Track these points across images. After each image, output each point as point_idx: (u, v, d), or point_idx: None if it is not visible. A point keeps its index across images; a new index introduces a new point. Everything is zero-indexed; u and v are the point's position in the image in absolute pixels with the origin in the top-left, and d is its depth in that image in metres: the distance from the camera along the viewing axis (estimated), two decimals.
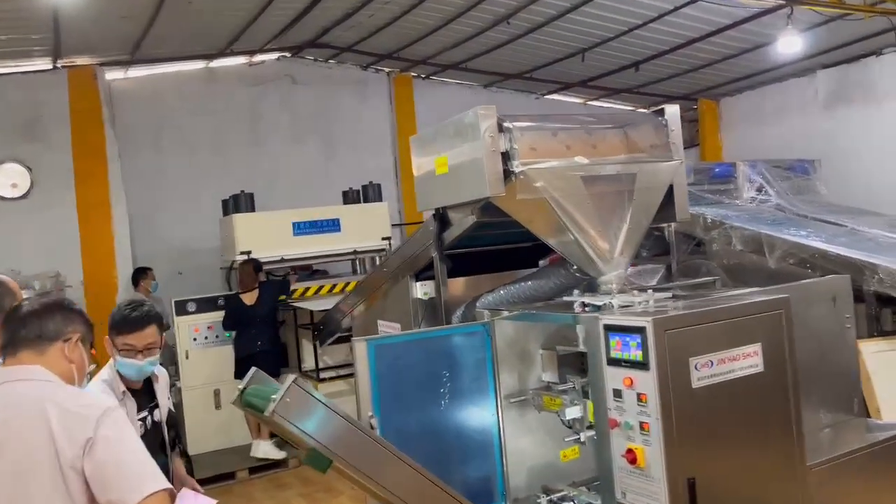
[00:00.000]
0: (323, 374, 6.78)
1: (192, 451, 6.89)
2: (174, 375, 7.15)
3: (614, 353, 2.72)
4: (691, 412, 2.63)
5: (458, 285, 4.15)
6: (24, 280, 6.67)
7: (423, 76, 10.27)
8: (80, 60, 7.93)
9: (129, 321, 2.99)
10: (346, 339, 6.36)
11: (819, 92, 9.18)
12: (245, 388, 2.76)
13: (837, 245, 5.52)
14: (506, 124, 3.23)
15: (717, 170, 7.27)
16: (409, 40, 8.73)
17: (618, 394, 2.72)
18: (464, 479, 3.34)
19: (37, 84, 7.87)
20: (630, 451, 2.66)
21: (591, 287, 3.42)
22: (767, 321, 2.82)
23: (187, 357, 7.03)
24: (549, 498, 3.35)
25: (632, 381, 2.65)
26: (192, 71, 9.01)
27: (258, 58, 9.21)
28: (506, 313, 3.43)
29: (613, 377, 2.73)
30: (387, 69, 10.03)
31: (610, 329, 2.74)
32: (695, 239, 6.23)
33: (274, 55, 9.28)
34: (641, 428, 2.62)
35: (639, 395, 2.63)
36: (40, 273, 6.89)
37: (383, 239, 7.52)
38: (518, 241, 4.29)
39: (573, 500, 3.25)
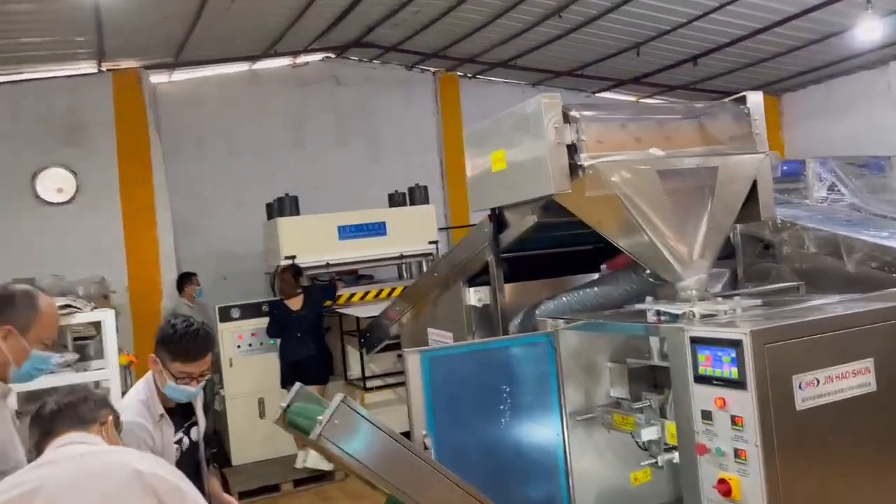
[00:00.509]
0: (370, 384, 6.54)
1: (235, 461, 6.73)
2: (218, 384, 7.01)
3: (703, 370, 2.39)
4: (795, 438, 2.29)
5: (515, 291, 3.85)
6: (69, 286, 6.58)
7: (469, 75, 10.00)
8: (125, 63, 7.88)
9: (191, 352, 2.70)
10: (394, 347, 6.10)
11: (891, 85, 8.63)
12: (289, 406, 2.51)
13: None
14: (572, 113, 2.93)
15: (784, 167, 6.80)
16: (456, 37, 8.47)
17: (707, 415, 2.39)
18: (525, 503, 3.05)
19: (81, 87, 7.84)
20: (723, 481, 2.32)
21: (665, 294, 3.10)
22: (880, 333, 2.46)
23: (231, 365, 6.86)
24: None
25: (725, 402, 2.32)
26: (236, 73, 8.90)
27: (302, 59, 9.06)
28: (571, 323, 3.12)
29: (702, 396, 2.40)
30: (432, 69, 9.80)
31: (698, 342, 2.42)
32: (762, 241, 5.82)
33: (318, 56, 9.13)
34: (737, 455, 2.29)
35: (733, 417, 2.30)
36: (84, 278, 6.80)
37: (430, 243, 7.25)
38: (580, 244, 3.99)
39: None
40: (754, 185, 3.21)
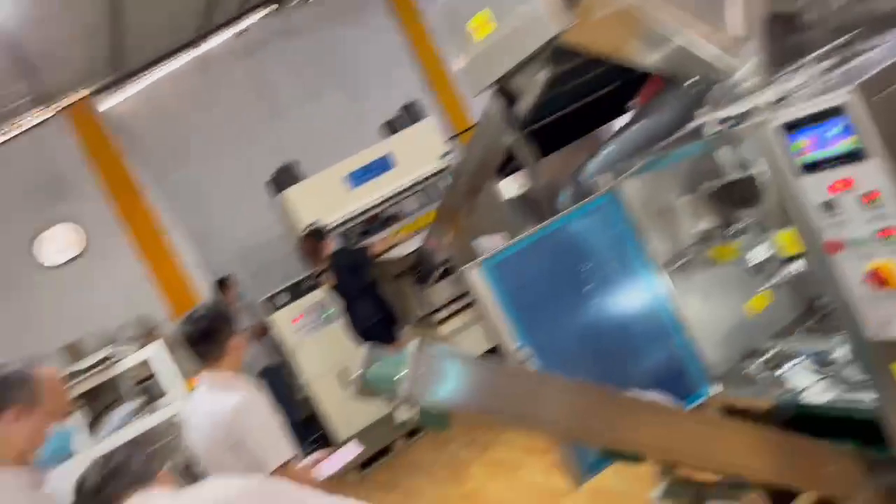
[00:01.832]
0: (438, 317, 6.26)
1: (343, 436, 6.60)
2: (290, 374, 6.85)
3: (807, 157, 1.98)
4: None
5: (549, 166, 3.47)
6: (112, 336, 6.41)
7: None
8: (72, 97, 7.43)
9: None
10: (446, 274, 5.80)
11: None
12: (363, 373, 2.20)
13: None
14: None
15: None
16: None
17: (828, 206, 1.99)
18: (647, 376, 2.73)
19: (45, 140, 7.44)
20: (874, 272, 1.94)
21: (718, 99, 2.67)
22: None
23: (298, 349, 6.65)
24: (761, 361, 2.70)
25: (846, 184, 1.92)
26: (184, 67, 8.36)
27: (243, 24, 8.47)
28: (628, 171, 2.73)
29: (815, 188, 2.00)
30: None
31: (790, 128, 2.00)
32: (785, 16, 5.27)
33: (259, 14, 8.50)
34: (882, 237, 1.90)
35: (861, 196, 1.90)
36: (125, 323, 6.61)
37: (443, 156, 6.80)
38: (599, 88, 3.57)
39: (803, 355, 2.57)
40: None
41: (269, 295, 6.73)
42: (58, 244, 7.43)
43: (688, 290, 2.83)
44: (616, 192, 2.78)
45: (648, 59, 2.61)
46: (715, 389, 2.80)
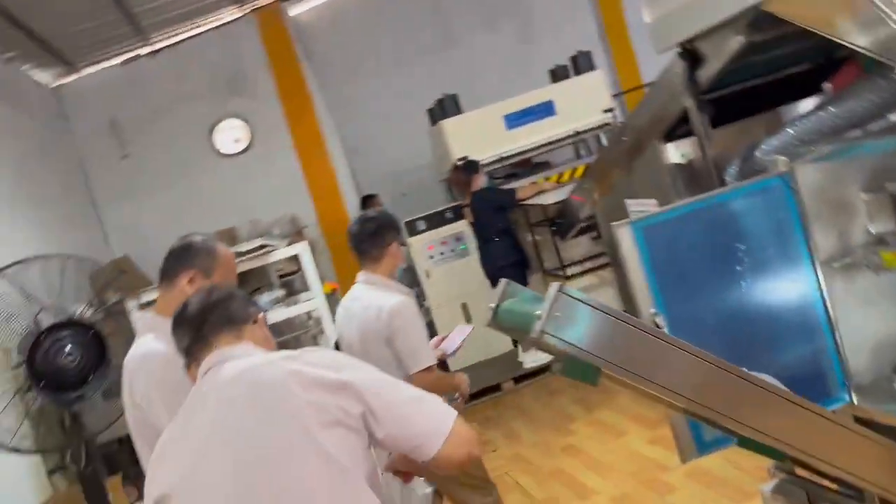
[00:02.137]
0: (570, 271, 6.25)
1: (453, 367, 6.82)
2: (420, 296, 7.08)
3: None
4: None
5: (722, 137, 3.31)
6: (265, 228, 6.88)
7: None
8: (263, 1, 7.85)
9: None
10: (586, 230, 5.75)
11: None
12: (498, 306, 2.27)
13: None
14: None
15: None
16: None
17: None
18: (787, 374, 2.62)
19: (231, 37, 7.97)
20: None
21: None
22: None
23: (428, 276, 6.87)
24: None
25: None
26: None
27: None
28: (812, 154, 2.57)
29: None
30: None
31: None
32: None
33: None
34: None
35: None
36: (278, 219, 7.06)
37: (605, 111, 6.64)
38: (791, 66, 3.35)
39: None
40: None
41: (409, 219, 6.94)
42: (230, 136, 7.99)
43: (847, 292, 2.66)
44: (790, 175, 2.64)
45: (859, 39, 2.42)
46: (855, 398, 2.66)
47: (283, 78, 8.02)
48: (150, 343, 2.22)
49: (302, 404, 1.60)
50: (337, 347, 3.48)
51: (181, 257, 2.32)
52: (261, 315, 1.91)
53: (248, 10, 7.88)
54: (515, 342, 6.51)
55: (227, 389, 1.68)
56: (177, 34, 7.80)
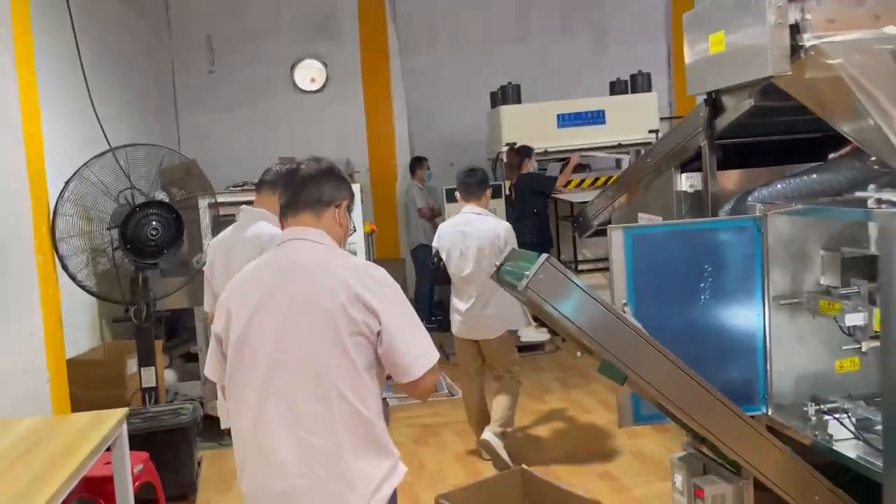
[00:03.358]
0: (581, 267, 6.83)
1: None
2: (440, 259, 7.69)
3: None
4: None
5: (727, 178, 3.84)
6: None
7: None
8: None
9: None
10: (603, 233, 6.29)
11: None
12: (502, 265, 2.89)
13: None
14: None
15: None
16: None
17: None
18: (721, 380, 3.18)
19: None
20: None
21: (892, 183, 2.97)
22: None
23: None
24: (817, 408, 3.10)
25: None
26: None
27: None
28: (782, 208, 3.13)
29: None
30: None
31: None
32: None
33: None
34: None
35: None
36: (335, 159, 7.67)
37: (650, 132, 7.17)
38: (800, 132, 3.85)
39: (847, 413, 2.97)
40: None
41: (451, 187, 7.53)
42: (307, 74, 8.63)
43: (786, 327, 3.23)
44: (764, 221, 3.20)
45: (844, 125, 2.96)
46: (772, 412, 3.24)
47: (368, 31, 8.61)
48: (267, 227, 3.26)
49: (339, 310, 1.99)
50: (437, 259, 4.67)
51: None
52: (345, 202, 2.21)
53: None
54: None
55: (291, 271, 2.10)
56: None
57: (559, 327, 2.90)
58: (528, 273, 2.47)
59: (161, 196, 4.53)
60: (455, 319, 4.57)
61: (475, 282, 4.42)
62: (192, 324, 5.67)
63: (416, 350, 2.07)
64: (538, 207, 6.83)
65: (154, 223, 3.97)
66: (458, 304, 4.51)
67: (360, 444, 2.03)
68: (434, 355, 2.10)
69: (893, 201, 2.73)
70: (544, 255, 2.50)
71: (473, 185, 4.60)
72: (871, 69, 2.77)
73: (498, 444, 4.26)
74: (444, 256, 4.57)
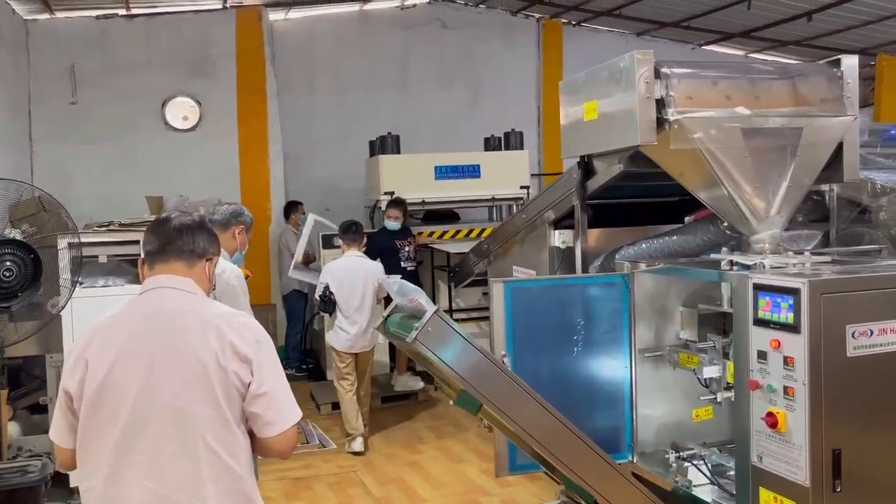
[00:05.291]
0: (455, 316, 6.94)
1: (329, 377, 7.33)
2: (318, 306, 7.57)
3: (762, 314, 2.62)
4: (843, 381, 2.50)
5: (597, 236, 4.09)
6: (192, 206, 7.23)
7: (573, 23, 9.99)
8: (248, 1, 8.36)
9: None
10: (480, 283, 6.46)
11: None
12: (388, 316, 2.90)
13: None
14: (663, 70, 3.12)
15: (893, 132, 6.61)
16: None
17: (762, 355, 2.62)
18: (591, 428, 3.34)
19: (207, 22, 8.38)
20: (771, 414, 2.57)
21: (742, 246, 3.28)
22: None
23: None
24: (677, 455, 3.31)
25: (779, 344, 2.55)
26: (347, 13, 9.26)
27: (410, 1, 9.31)
28: (647, 266, 3.36)
29: (759, 338, 2.63)
30: (537, 15, 9.84)
31: (760, 288, 2.64)
32: (859, 206, 5.75)
33: None
34: (786, 392, 2.53)
35: (786, 358, 2.53)
36: (205, 200, 7.42)
37: (522, 188, 7.50)
38: (663, 195, 4.16)
39: (703, 460, 3.19)
40: (840, 148, 3.31)
41: (327, 234, 7.48)
42: (179, 112, 8.35)
43: (650, 378, 3.45)
44: (631, 278, 3.42)
45: (701, 192, 3.24)
46: (636, 459, 3.42)
47: (245, 73, 8.47)
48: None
49: (211, 359, 1.93)
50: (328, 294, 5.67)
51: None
52: (216, 257, 2.20)
53: (231, 4, 8.36)
54: (392, 367, 7.13)
55: (157, 318, 2.00)
56: (157, 6, 8.19)
57: (439, 375, 2.94)
58: (416, 325, 2.50)
59: (14, 234, 4.18)
60: (343, 338, 5.70)
61: (363, 310, 5.64)
62: (38, 372, 5.21)
63: (287, 405, 2.03)
64: (392, 262, 6.71)
65: (8, 263, 3.66)
66: (347, 327, 5.69)
67: (228, 502, 1.96)
68: (298, 414, 2.06)
69: (743, 264, 3.02)
70: (433, 308, 2.54)
71: (358, 235, 5.87)
72: (724, 144, 3.07)
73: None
74: (334, 289, 5.69)
